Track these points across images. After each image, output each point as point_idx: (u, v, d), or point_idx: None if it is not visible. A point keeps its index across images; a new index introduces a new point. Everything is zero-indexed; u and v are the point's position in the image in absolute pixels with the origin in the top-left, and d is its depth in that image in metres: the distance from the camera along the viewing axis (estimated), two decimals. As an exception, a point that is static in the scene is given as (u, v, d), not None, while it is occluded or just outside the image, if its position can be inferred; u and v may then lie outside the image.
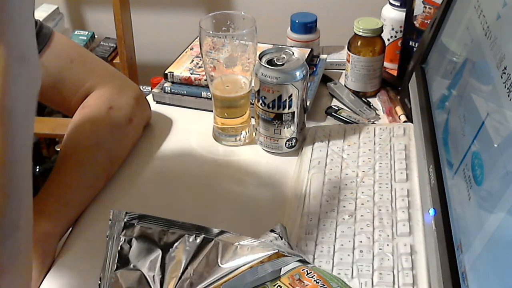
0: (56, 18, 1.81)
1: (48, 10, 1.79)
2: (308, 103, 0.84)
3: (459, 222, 0.53)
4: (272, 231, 0.59)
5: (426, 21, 0.86)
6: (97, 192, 0.73)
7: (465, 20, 0.66)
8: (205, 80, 0.86)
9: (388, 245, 0.60)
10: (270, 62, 0.74)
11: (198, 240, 0.56)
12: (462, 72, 0.63)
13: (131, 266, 0.55)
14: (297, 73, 0.73)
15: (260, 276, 0.52)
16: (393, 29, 0.95)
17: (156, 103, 0.93)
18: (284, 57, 0.75)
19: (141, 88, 0.85)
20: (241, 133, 0.83)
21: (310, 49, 0.95)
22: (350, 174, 0.72)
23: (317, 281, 0.51)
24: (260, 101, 0.76)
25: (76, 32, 1.85)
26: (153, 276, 0.55)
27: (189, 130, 0.87)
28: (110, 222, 0.56)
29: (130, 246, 0.56)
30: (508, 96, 0.47)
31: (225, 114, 0.81)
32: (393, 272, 0.58)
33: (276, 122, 0.76)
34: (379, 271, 0.58)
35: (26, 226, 0.45)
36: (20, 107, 0.46)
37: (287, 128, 0.77)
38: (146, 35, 1.87)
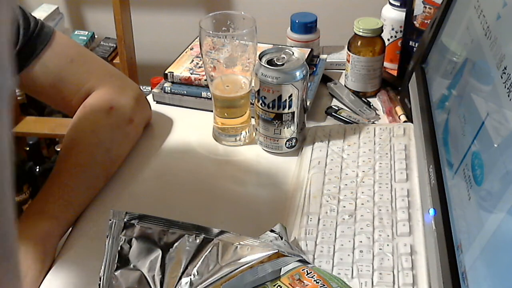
0: (56, 18, 1.81)
1: (48, 10, 1.79)
2: (308, 103, 0.84)
3: (459, 222, 0.53)
4: (272, 231, 0.59)
5: (426, 21, 0.86)
6: (97, 192, 0.73)
7: (465, 20, 0.66)
8: (205, 80, 0.86)
9: (388, 245, 0.60)
10: (270, 62, 0.74)
11: (198, 240, 0.56)
12: (462, 72, 0.63)
13: (131, 266, 0.55)
14: (297, 73, 0.73)
15: (260, 276, 0.52)
16: (393, 29, 0.95)
17: (156, 103, 0.93)
18: (284, 57, 0.75)
19: (141, 88, 0.85)
20: (241, 133, 0.83)
21: (310, 49, 0.95)
22: (350, 174, 0.72)
23: (317, 281, 0.51)
24: (260, 101, 0.76)
25: (76, 32, 1.85)
26: (153, 276, 0.55)
27: (189, 130, 0.87)
28: (110, 222, 0.56)
29: (130, 246, 0.56)
30: (508, 96, 0.47)
31: (225, 114, 0.81)
32: (393, 272, 0.58)
33: (276, 122, 0.76)
34: (379, 271, 0.58)
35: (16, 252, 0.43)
36: None
37: (287, 128, 0.77)
38: (146, 35, 1.87)
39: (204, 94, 0.89)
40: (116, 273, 0.55)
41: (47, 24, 0.78)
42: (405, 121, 0.84)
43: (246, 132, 0.83)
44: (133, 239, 0.56)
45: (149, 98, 0.91)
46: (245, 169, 0.79)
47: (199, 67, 0.92)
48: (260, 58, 0.75)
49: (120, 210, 0.57)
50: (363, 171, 0.72)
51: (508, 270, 0.42)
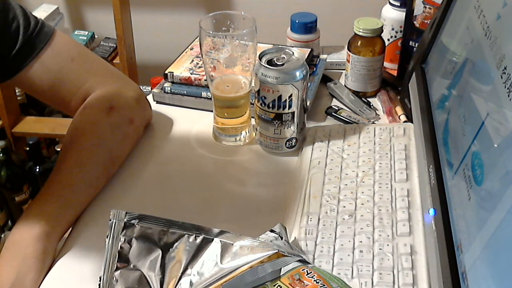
0: (56, 18, 1.81)
1: (48, 10, 1.79)
2: (308, 103, 0.84)
3: (459, 222, 0.53)
4: (272, 231, 0.59)
5: (426, 21, 0.86)
6: (97, 192, 0.73)
7: (465, 20, 0.66)
8: (205, 80, 0.86)
9: (388, 245, 0.60)
10: (270, 62, 0.74)
11: (198, 240, 0.56)
12: (462, 72, 0.63)
13: (131, 266, 0.55)
14: (297, 73, 0.73)
15: (260, 276, 0.52)
16: (393, 29, 0.95)
17: (156, 103, 0.93)
18: (284, 57, 0.75)
19: (141, 88, 0.85)
20: (241, 133, 0.83)
21: (310, 49, 0.95)
22: (350, 174, 0.72)
23: (317, 281, 0.51)
24: (260, 101, 0.76)
25: (76, 32, 1.85)
26: (153, 276, 0.55)
27: (189, 130, 0.87)
28: (110, 222, 0.56)
29: (130, 246, 0.56)
30: (508, 96, 0.47)
31: (225, 114, 0.81)
32: (393, 272, 0.58)
33: (276, 122, 0.76)
34: (379, 271, 0.58)
35: None
36: None
37: (287, 128, 0.77)
38: (146, 35, 1.87)
39: (204, 94, 0.89)
40: (116, 273, 0.55)
41: (48, 23, 0.78)
42: (405, 121, 0.84)
43: (246, 132, 0.83)
44: (133, 239, 0.56)
45: (149, 98, 0.91)
46: (245, 169, 0.79)
47: (199, 67, 0.92)
48: (260, 58, 0.75)
49: (120, 210, 0.57)
50: (363, 171, 0.72)
51: (508, 270, 0.42)
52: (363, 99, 0.91)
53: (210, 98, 0.84)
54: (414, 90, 0.78)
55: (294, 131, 0.78)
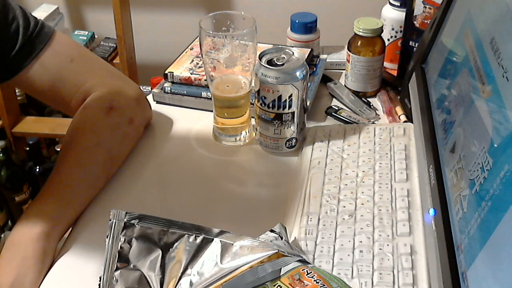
0: (56, 18, 1.81)
1: (48, 10, 1.79)
2: (308, 103, 0.84)
3: (459, 222, 0.53)
4: (272, 231, 0.59)
5: (426, 21, 0.86)
6: (97, 192, 0.73)
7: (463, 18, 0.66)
8: (205, 80, 0.86)
9: (388, 245, 0.60)
10: (270, 62, 0.74)
11: (198, 240, 0.56)
12: (462, 72, 0.63)
13: (131, 266, 0.55)
14: (297, 73, 0.73)
15: (260, 276, 0.52)
16: (393, 29, 0.95)
17: (156, 103, 0.93)
18: (284, 57, 0.75)
19: (141, 88, 0.85)
20: (241, 133, 0.83)
21: (310, 49, 0.95)
22: (350, 174, 0.72)
23: (317, 281, 0.51)
24: (260, 101, 0.76)
25: (76, 32, 1.85)
26: (153, 276, 0.55)
27: (189, 130, 0.87)
28: (110, 222, 0.56)
29: (130, 246, 0.56)
30: (507, 96, 0.47)
31: (225, 114, 0.81)
32: (393, 272, 0.58)
33: (276, 122, 0.76)
34: (379, 271, 0.58)
35: None
36: None
37: (287, 128, 0.77)
38: (146, 35, 1.87)
39: (204, 94, 0.89)
40: (116, 273, 0.55)
41: (48, 24, 0.78)
42: (405, 121, 0.84)
43: (246, 132, 0.83)
44: (133, 239, 0.56)
45: (149, 98, 0.91)
46: (245, 169, 0.79)
47: (199, 67, 0.92)
48: (260, 58, 0.75)
49: (120, 210, 0.57)
50: (363, 171, 0.72)
51: (508, 270, 0.42)
52: (363, 99, 0.91)
53: (210, 98, 0.84)
54: (414, 90, 0.78)
55: (294, 131, 0.78)
